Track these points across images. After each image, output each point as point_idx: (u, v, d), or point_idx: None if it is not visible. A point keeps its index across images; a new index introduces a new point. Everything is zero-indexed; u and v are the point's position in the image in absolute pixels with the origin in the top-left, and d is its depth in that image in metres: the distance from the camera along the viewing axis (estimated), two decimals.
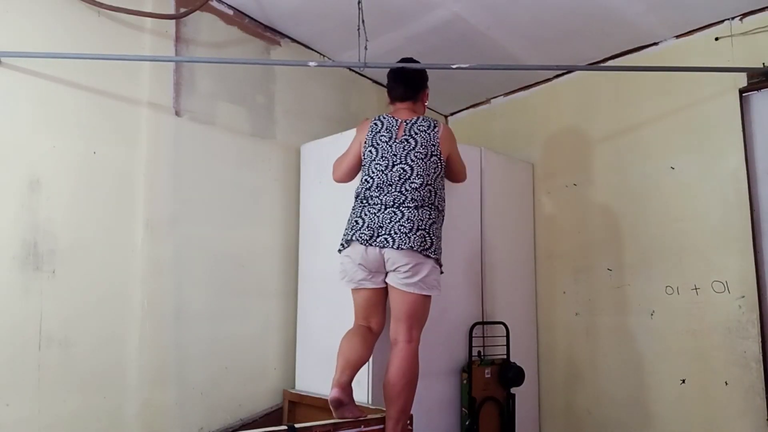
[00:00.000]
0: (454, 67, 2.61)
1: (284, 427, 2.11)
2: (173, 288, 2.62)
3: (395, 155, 2.33)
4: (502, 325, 3.06)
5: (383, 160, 2.33)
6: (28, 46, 2.28)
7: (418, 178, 2.30)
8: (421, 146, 2.33)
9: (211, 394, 2.72)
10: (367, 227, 2.26)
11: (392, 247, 2.20)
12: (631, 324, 3.09)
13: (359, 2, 2.56)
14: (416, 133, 2.36)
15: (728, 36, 2.86)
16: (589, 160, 3.38)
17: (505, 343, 3.03)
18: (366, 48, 2.53)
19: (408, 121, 2.40)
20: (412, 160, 2.31)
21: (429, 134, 2.36)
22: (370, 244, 2.23)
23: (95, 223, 2.41)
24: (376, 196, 2.30)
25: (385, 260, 2.25)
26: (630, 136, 3.20)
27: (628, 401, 3.08)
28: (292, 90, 3.22)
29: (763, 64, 2.71)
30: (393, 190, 2.28)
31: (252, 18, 3.04)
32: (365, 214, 2.29)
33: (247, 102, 3.00)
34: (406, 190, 2.28)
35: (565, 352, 3.39)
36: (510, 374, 2.93)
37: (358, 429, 2.23)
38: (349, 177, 2.55)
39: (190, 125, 2.75)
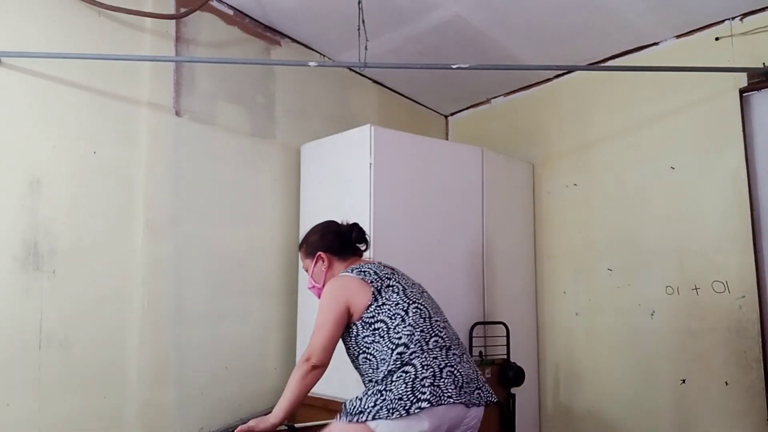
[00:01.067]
0: (454, 67, 2.60)
1: (284, 428, 2.11)
2: (173, 288, 2.62)
3: (421, 302, 1.89)
4: (502, 325, 3.06)
5: (416, 309, 1.84)
6: (28, 46, 2.27)
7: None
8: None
9: (211, 394, 2.72)
10: (467, 381, 1.74)
11: (485, 402, 1.76)
12: (631, 324, 3.09)
13: (359, 2, 2.56)
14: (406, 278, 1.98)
15: (728, 36, 2.86)
16: (589, 160, 3.38)
17: (505, 343, 3.03)
18: (366, 48, 2.53)
19: (391, 267, 2.01)
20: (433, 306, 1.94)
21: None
22: (476, 404, 1.73)
23: (95, 223, 2.41)
24: (446, 347, 1.79)
25: (465, 420, 1.75)
26: (630, 136, 3.20)
27: (628, 401, 3.08)
28: (292, 90, 3.22)
29: (764, 64, 2.71)
30: (449, 337, 1.84)
31: (252, 18, 3.04)
32: (453, 365, 1.74)
33: (247, 102, 3.00)
34: (455, 335, 1.89)
35: (565, 352, 3.39)
36: (510, 374, 2.93)
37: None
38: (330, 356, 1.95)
39: (190, 125, 2.75)
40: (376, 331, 1.82)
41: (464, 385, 1.72)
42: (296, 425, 2.18)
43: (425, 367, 1.70)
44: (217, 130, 2.86)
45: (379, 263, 2.00)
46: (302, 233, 3.07)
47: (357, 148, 2.80)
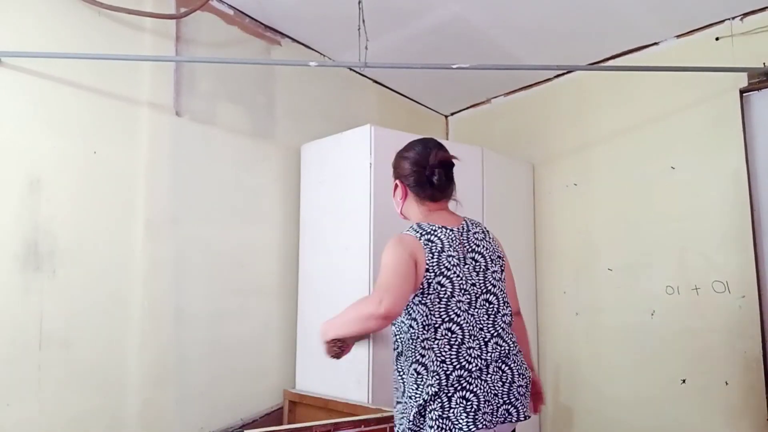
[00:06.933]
0: (454, 67, 2.60)
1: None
2: (173, 288, 2.62)
3: (474, 285, 1.66)
4: None
5: (464, 295, 1.63)
6: (28, 46, 2.27)
7: (507, 308, 1.72)
8: (491, 261, 1.72)
9: (211, 394, 2.72)
10: (487, 400, 1.57)
11: (517, 419, 1.62)
12: (631, 324, 3.09)
13: (360, 2, 2.56)
14: (477, 245, 1.72)
15: (729, 36, 2.86)
16: (589, 160, 3.38)
17: None
18: (366, 48, 2.53)
19: (461, 229, 1.73)
20: (494, 285, 1.70)
21: (490, 243, 1.76)
22: (494, 425, 1.57)
23: (95, 223, 2.41)
24: (478, 355, 1.60)
25: None
26: (630, 136, 3.20)
27: (628, 401, 3.08)
28: (292, 90, 3.22)
29: (764, 64, 2.71)
30: (488, 336, 1.64)
31: (252, 18, 3.04)
32: (476, 386, 1.57)
33: (247, 102, 3.00)
34: (506, 332, 1.68)
35: (565, 352, 3.39)
36: None
37: (358, 429, 2.23)
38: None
39: (190, 125, 2.75)
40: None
41: (483, 406, 1.55)
42: (296, 426, 2.18)
43: (433, 400, 1.54)
44: (217, 130, 2.86)
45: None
46: (302, 233, 3.10)
47: (357, 148, 2.80)
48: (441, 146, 1.79)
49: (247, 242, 2.94)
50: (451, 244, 1.66)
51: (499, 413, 1.58)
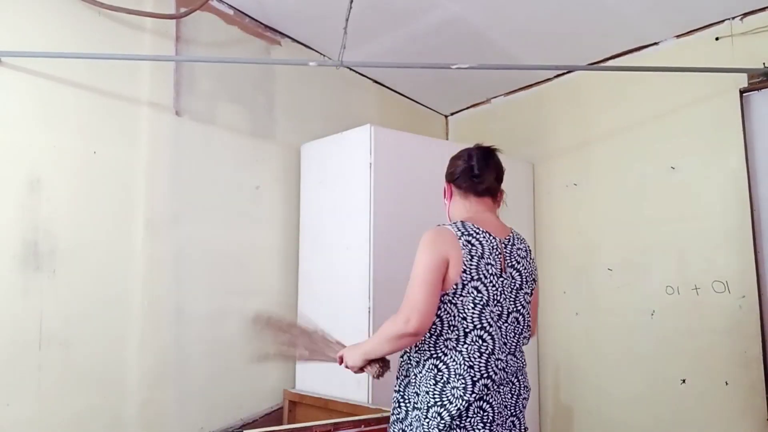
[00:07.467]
0: (454, 67, 2.60)
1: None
2: (173, 288, 2.62)
3: (507, 299, 1.64)
4: None
5: (495, 306, 1.61)
6: (28, 46, 2.28)
7: (527, 331, 1.70)
8: (525, 282, 1.70)
9: (211, 394, 2.72)
10: (498, 413, 1.59)
11: (519, 430, 1.66)
12: (631, 324, 3.09)
13: (351, 2, 2.55)
14: (518, 262, 1.69)
15: (728, 36, 2.86)
16: (589, 160, 3.38)
17: None
18: (344, 47, 2.49)
19: (506, 242, 1.69)
20: (523, 307, 1.67)
21: (529, 264, 1.73)
22: None
23: (95, 223, 2.41)
24: (503, 368, 1.59)
25: None
26: (630, 136, 3.20)
27: (628, 401, 3.08)
28: (292, 90, 3.22)
29: (764, 64, 2.71)
30: (508, 351, 1.63)
31: (252, 18, 3.04)
32: (492, 398, 1.58)
33: (247, 102, 3.00)
34: (520, 350, 1.68)
35: (565, 352, 3.39)
36: None
37: (358, 429, 2.23)
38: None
39: (190, 125, 2.75)
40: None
41: (497, 417, 1.57)
42: (296, 426, 2.17)
43: (450, 403, 1.54)
44: (217, 130, 2.86)
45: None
46: (302, 233, 3.10)
47: (357, 148, 2.80)
48: (488, 147, 1.78)
49: (247, 242, 2.94)
50: (492, 252, 1.62)
51: (507, 424, 1.62)
